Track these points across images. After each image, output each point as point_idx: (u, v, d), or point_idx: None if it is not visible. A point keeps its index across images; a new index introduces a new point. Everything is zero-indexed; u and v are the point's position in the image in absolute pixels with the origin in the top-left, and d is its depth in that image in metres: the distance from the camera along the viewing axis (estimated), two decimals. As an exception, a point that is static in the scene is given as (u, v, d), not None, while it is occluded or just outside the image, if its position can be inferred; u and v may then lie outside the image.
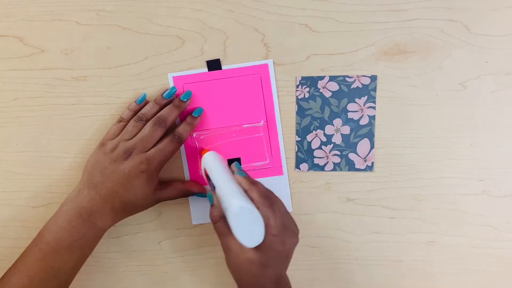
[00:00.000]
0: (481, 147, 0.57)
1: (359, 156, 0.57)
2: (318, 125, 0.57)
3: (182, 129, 0.54)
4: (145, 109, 0.54)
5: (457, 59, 0.56)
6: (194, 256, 0.60)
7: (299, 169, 0.58)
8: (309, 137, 0.57)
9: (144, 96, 0.55)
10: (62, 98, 0.57)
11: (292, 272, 0.59)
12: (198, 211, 0.59)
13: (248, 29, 0.56)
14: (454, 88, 0.56)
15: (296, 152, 0.57)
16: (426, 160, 0.57)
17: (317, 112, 0.57)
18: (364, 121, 0.57)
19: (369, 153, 0.57)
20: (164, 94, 0.55)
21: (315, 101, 0.56)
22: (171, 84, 0.56)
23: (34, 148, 0.58)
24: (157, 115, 0.53)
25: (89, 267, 0.59)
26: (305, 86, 0.56)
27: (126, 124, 0.54)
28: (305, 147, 0.57)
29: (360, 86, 0.56)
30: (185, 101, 0.55)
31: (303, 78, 0.56)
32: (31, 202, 0.59)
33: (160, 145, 0.52)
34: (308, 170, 0.58)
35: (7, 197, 0.59)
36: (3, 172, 0.58)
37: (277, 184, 0.58)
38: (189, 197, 0.58)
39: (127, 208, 0.53)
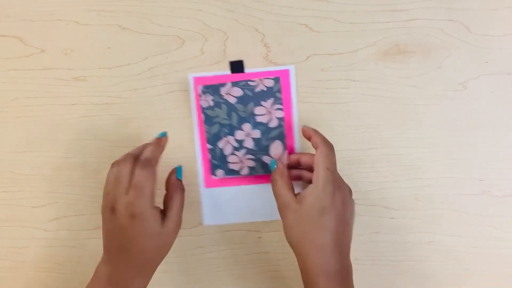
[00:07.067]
0: (481, 147, 0.57)
1: (273, 158, 0.56)
2: (227, 131, 0.56)
3: (146, 151, 0.49)
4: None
5: (457, 59, 0.56)
6: (194, 256, 0.60)
7: (215, 175, 0.57)
8: (220, 144, 0.56)
9: None
10: (62, 98, 0.57)
11: (292, 272, 0.59)
12: (211, 211, 0.58)
13: (248, 29, 0.56)
14: (454, 88, 0.56)
15: (210, 160, 0.57)
16: (426, 160, 0.57)
17: (224, 119, 0.56)
18: (273, 123, 0.56)
19: (282, 154, 0.56)
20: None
21: (221, 108, 0.56)
22: (191, 84, 0.56)
23: (34, 148, 0.58)
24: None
25: (89, 268, 0.59)
26: (208, 94, 0.55)
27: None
28: (218, 153, 0.56)
29: (265, 89, 0.55)
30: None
31: (204, 87, 0.55)
32: (31, 202, 0.59)
33: (133, 181, 0.47)
34: (224, 176, 0.57)
35: (7, 197, 0.59)
36: (3, 172, 0.58)
37: None
38: (202, 197, 0.57)
39: (150, 257, 0.49)
